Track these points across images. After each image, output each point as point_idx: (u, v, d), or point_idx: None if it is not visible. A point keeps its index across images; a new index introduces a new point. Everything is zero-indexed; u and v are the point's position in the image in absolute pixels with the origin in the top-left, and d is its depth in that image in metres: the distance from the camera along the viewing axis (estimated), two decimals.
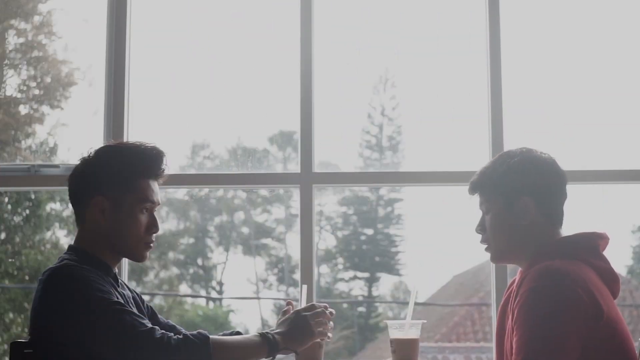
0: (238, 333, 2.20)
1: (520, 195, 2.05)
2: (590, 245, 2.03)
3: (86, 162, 2.11)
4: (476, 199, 2.17)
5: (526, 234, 2.06)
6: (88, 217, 2.09)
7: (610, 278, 2.01)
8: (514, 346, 1.90)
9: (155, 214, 2.14)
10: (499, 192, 2.08)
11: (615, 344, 1.91)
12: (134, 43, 3.23)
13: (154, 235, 2.14)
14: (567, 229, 2.11)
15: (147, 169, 2.11)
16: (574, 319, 1.85)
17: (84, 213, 2.10)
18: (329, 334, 2.16)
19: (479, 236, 2.16)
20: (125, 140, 2.95)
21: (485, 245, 2.14)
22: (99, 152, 2.12)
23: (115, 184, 2.07)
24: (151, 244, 2.14)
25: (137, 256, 2.13)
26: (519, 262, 2.11)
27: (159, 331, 1.90)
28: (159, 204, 2.15)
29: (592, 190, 3.37)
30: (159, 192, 2.16)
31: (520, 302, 1.92)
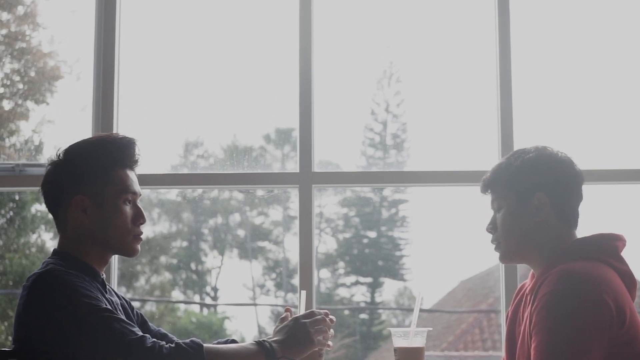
0: (233, 341, 2.21)
1: (534, 191, 2.06)
2: (610, 247, 2.04)
3: (57, 164, 2.12)
4: (486, 199, 2.18)
5: (539, 233, 2.07)
6: (70, 219, 2.10)
7: (629, 281, 2.02)
8: (532, 352, 1.90)
9: (139, 204, 2.16)
10: (512, 188, 2.09)
11: (635, 349, 1.91)
12: (124, 35, 3.24)
13: (142, 226, 2.15)
14: (581, 230, 2.12)
15: (121, 158, 2.13)
16: (598, 325, 1.86)
17: (65, 216, 2.10)
18: (329, 343, 2.17)
19: (488, 238, 2.17)
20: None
21: (495, 245, 2.15)
22: (69, 152, 2.14)
23: (92, 179, 2.09)
24: (140, 236, 2.15)
25: (128, 250, 2.14)
26: (531, 263, 2.12)
27: (149, 339, 1.90)
28: (140, 195, 2.17)
29: (605, 191, 3.37)
30: (138, 182, 2.18)
31: (539, 306, 1.92)
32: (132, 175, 2.16)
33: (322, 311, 2.14)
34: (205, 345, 1.94)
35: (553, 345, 1.85)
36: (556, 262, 2.00)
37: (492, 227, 2.15)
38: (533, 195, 2.07)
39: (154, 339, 1.91)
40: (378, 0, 3.57)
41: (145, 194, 2.24)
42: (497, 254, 2.16)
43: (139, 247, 2.15)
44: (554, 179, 2.09)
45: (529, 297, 2.04)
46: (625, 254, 2.08)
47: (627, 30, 3.40)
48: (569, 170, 2.11)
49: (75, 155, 2.13)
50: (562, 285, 1.90)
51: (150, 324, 2.29)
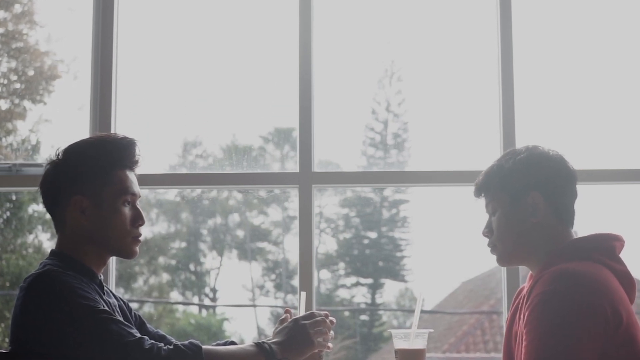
0: (232, 343, 2.21)
1: (528, 191, 2.07)
2: (607, 247, 2.04)
3: (56, 164, 2.12)
4: (483, 201, 2.18)
5: (536, 234, 2.07)
6: (68, 220, 2.10)
7: (627, 282, 2.02)
8: (523, 351, 1.90)
9: (139, 206, 2.16)
10: (506, 190, 2.09)
11: (633, 350, 1.91)
12: (122, 33, 3.24)
13: (141, 227, 2.15)
14: (580, 231, 2.12)
15: (121, 159, 2.13)
16: (590, 327, 1.85)
17: (63, 217, 2.10)
18: (330, 344, 2.17)
19: (486, 242, 2.17)
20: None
21: (491, 248, 2.15)
22: (68, 151, 2.13)
23: (91, 179, 2.09)
24: (139, 238, 2.15)
25: (127, 252, 2.14)
26: (529, 264, 2.12)
27: (148, 341, 1.90)
28: (139, 196, 2.17)
29: (607, 191, 3.37)
30: (137, 183, 2.17)
31: (532, 305, 1.92)
32: (132, 176, 2.16)
33: (322, 312, 2.14)
34: (204, 346, 1.94)
35: (543, 344, 1.85)
36: (552, 262, 2.00)
37: (488, 231, 2.14)
38: (527, 196, 2.07)
39: (152, 341, 1.91)
40: None
41: (144, 194, 2.24)
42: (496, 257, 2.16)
43: (137, 249, 2.16)
44: (547, 177, 2.09)
45: (525, 298, 2.04)
46: (624, 254, 2.07)
47: (628, 30, 3.40)
48: (562, 168, 2.12)
49: (75, 155, 2.13)
50: (556, 285, 1.90)
51: (148, 325, 2.29)
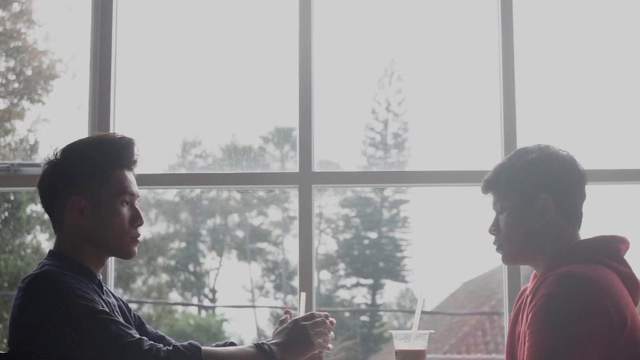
0: (232, 344, 2.21)
1: (539, 193, 2.06)
2: (612, 249, 2.04)
3: (54, 164, 2.12)
4: (488, 199, 2.18)
5: (544, 235, 2.06)
6: (66, 220, 2.09)
7: (632, 284, 2.02)
8: (525, 352, 1.90)
9: (137, 206, 2.16)
10: (516, 190, 2.08)
11: (637, 352, 1.91)
12: (121, 32, 3.24)
13: (140, 228, 2.15)
14: (584, 231, 2.12)
15: (119, 159, 2.13)
16: (594, 329, 1.85)
17: (61, 217, 2.10)
18: (330, 345, 2.16)
19: (491, 239, 2.16)
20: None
21: (497, 246, 2.15)
22: (66, 151, 2.13)
23: (89, 179, 2.08)
24: (138, 238, 2.15)
25: (125, 252, 2.14)
26: (534, 264, 2.12)
27: (147, 342, 1.90)
28: (138, 196, 2.17)
29: (609, 191, 3.37)
30: (136, 183, 2.17)
31: (536, 306, 1.92)
32: (131, 176, 2.16)
33: (322, 313, 2.14)
34: (203, 347, 1.94)
35: (544, 346, 1.86)
36: (557, 264, 2.00)
37: (495, 229, 2.14)
38: (538, 197, 2.06)
39: (151, 342, 1.91)
40: None
41: (143, 194, 2.23)
42: (500, 255, 2.16)
43: (136, 249, 2.15)
44: (559, 179, 2.08)
45: (529, 299, 2.04)
46: (628, 255, 2.07)
47: (629, 30, 3.40)
48: (573, 170, 2.11)
49: (72, 155, 2.12)
50: (561, 287, 1.90)
51: (147, 326, 2.29)
